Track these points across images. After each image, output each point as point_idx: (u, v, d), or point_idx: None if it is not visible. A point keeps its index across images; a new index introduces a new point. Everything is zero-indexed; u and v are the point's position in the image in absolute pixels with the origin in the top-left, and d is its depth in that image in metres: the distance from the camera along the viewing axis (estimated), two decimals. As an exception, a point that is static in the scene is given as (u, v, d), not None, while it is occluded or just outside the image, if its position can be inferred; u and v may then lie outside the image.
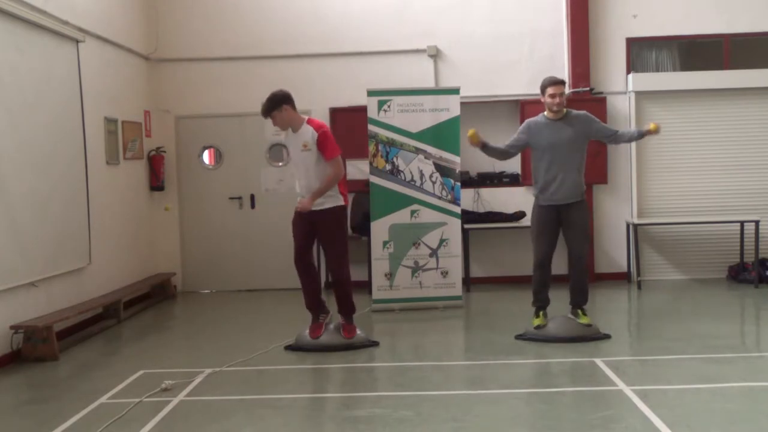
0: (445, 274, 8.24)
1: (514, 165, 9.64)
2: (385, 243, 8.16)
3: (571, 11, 9.59)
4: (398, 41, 9.73)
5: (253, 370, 5.99)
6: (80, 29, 7.82)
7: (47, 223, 7.01)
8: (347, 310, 6.72)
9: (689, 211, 9.61)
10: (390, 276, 8.19)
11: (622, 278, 9.71)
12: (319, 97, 9.64)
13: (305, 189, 6.47)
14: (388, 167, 8.14)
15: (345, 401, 5.24)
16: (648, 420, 4.53)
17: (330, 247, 6.61)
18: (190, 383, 5.60)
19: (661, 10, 9.67)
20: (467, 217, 9.17)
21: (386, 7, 9.76)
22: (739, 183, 9.63)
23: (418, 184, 8.14)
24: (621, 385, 5.24)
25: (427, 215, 8.16)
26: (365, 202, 8.64)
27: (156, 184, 9.69)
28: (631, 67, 9.76)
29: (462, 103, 8.31)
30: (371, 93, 8.19)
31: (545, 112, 6.66)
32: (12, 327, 6.43)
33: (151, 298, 9.25)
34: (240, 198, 9.95)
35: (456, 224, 8.26)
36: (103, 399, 5.29)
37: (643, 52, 9.86)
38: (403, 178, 8.14)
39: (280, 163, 9.79)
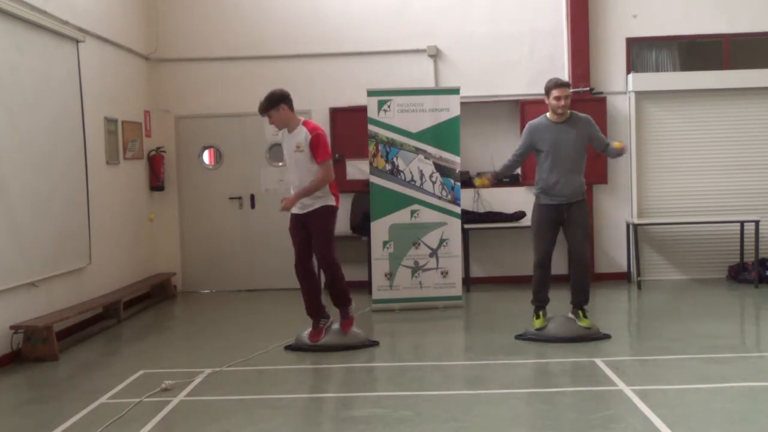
0: (445, 274, 8.24)
1: (514, 165, 9.64)
2: (385, 243, 8.16)
3: (571, 11, 9.59)
4: (398, 41, 9.73)
5: (253, 370, 5.99)
6: (80, 29, 7.82)
7: (47, 223, 7.01)
8: (341, 300, 6.66)
9: (689, 211, 9.61)
10: (390, 276, 8.19)
11: (622, 278, 9.71)
12: (319, 97, 9.65)
13: (297, 189, 6.48)
14: (388, 167, 8.14)
15: (345, 401, 5.24)
16: (648, 420, 4.54)
17: (316, 240, 6.48)
18: (190, 383, 5.60)
19: (661, 10, 9.67)
20: (467, 217, 9.17)
21: (386, 7, 9.76)
22: (739, 183, 9.63)
23: (418, 184, 8.14)
24: (621, 385, 5.24)
25: (427, 215, 8.16)
26: (365, 202, 8.64)
27: (156, 184, 9.70)
28: (631, 67, 9.76)
29: (462, 103, 8.31)
30: (371, 93, 8.20)
31: (548, 114, 6.63)
32: (12, 327, 6.43)
33: (151, 298, 9.25)
34: (240, 198, 9.95)
35: (456, 224, 8.26)
36: (103, 399, 5.29)
37: (643, 52, 9.86)
38: (403, 178, 8.14)
39: (280, 163, 9.77)
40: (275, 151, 9.79)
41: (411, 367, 6.01)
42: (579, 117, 6.58)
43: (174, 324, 8.46)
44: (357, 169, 9.46)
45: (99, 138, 8.31)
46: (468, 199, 9.53)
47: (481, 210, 9.66)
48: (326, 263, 6.56)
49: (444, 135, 8.14)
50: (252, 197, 9.91)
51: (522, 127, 9.30)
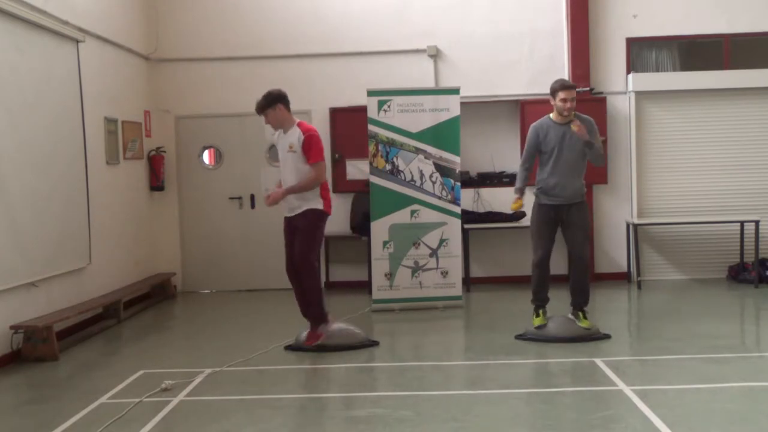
0: (445, 274, 8.24)
1: (513, 165, 9.62)
2: (385, 243, 8.16)
3: (571, 11, 9.59)
4: (398, 41, 9.73)
5: (253, 370, 5.99)
6: (80, 29, 7.82)
7: (47, 223, 7.01)
8: (313, 312, 6.49)
9: (689, 211, 9.61)
10: (390, 276, 8.19)
11: (622, 278, 9.71)
12: (319, 97, 9.65)
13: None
14: (388, 167, 8.14)
15: (345, 401, 5.24)
16: (648, 420, 4.54)
17: (298, 240, 6.41)
18: (190, 383, 5.60)
19: (661, 10, 9.67)
20: (467, 217, 9.17)
21: (386, 7, 9.76)
22: (739, 183, 9.62)
23: (418, 184, 8.14)
24: (621, 385, 5.24)
25: (427, 215, 8.16)
26: (365, 202, 8.64)
27: (156, 184, 9.69)
28: (631, 67, 9.76)
29: (462, 103, 8.31)
30: (371, 93, 8.20)
31: (552, 114, 6.63)
32: (12, 327, 6.43)
33: (151, 298, 9.25)
34: (240, 198, 9.95)
35: (456, 224, 8.26)
36: (103, 399, 5.29)
37: (643, 52, 9.86)
38: (403, 178, 8.14)
39: (278, 164, 9.78)
40: (275, 152, 9.74)
41: (411, 367, 6.01)
42: (582, 119, 6.57)
43: (174, 324, 8.47)
44: (357, 169, 9.46)
45: (99, 138, 8.31)
46: (468, 199, 9.53)
47: (481, 210, 9.65)
48: (302, 263, 6.41)
49: (444, 135, 8.14)
50: (252, 197, 9.91)
51: (522, 127, 9.35)
